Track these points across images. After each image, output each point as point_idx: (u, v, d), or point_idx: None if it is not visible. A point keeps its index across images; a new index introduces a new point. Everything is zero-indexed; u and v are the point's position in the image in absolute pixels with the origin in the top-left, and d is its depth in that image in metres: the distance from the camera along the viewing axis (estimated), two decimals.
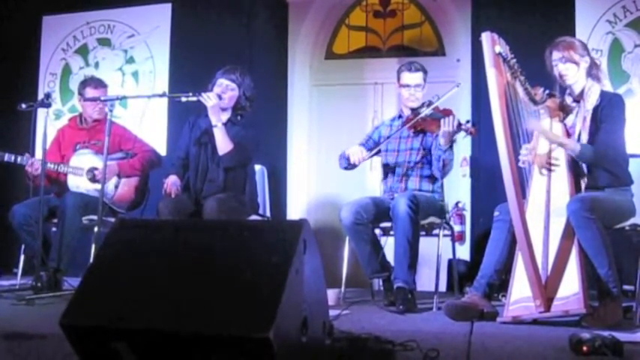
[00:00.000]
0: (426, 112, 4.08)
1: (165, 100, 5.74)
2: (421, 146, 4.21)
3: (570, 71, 3.49)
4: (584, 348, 2.35)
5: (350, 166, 4.22)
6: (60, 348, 2.21)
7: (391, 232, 4.11)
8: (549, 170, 3.47)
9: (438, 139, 3.99)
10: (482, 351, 2.53)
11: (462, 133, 3.96)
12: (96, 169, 4.60)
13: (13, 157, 4.52)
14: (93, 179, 4.60)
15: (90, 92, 4.72)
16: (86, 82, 4.84)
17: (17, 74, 6.27)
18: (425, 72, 4.28)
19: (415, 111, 4.20)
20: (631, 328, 3.13)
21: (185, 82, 5.32)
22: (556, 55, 3.51)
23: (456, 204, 5.26)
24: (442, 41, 6.03)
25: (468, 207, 5.38)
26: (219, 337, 1.93)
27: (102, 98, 4.53)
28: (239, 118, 4.45)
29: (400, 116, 4.36)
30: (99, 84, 4.81)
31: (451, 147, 4.04)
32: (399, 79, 4.29)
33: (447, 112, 4.02)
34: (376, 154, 4.33)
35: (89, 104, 4.73)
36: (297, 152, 6.20)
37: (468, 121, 3.91)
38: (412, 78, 4.23)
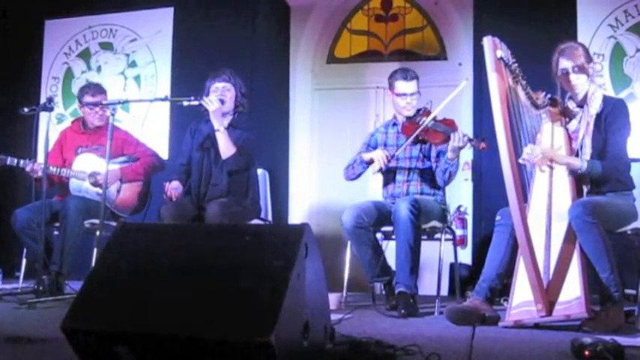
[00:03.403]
0: (426, 122, 4.05)
1: (167, 104, 5.75)
2: (420, 153, 4.20)
3: (581, 80, 3.49)
4: (586, 352, 2.35)
5: (362, 172, 4.22)
6: (62, 352, 2.21)
7: (392, 236, 4.11)
8: (551, 168, 3.46)
9: (447, 153, 3.97)
10: (483, 355, 2.53)
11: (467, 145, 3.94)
12: (98, 173, 4.60)
13: (15, 161, 4.53)
14: (95, 184, 4.60)
15: (88, 99, 4.71)
16: (84, 90, 4.81)
17: (20, 78, 6.27)
18: (418, 79, 4.24)
19: (411, 119, 4.19)
20: (632, 332, 3.13)
21: (187, 86, 5.32)
22: (566, 63, 3.49)
23: (458, 208, 5.25)
24: (444, 45, 6.04)
25: (470, 211, 5.38)
26: (221, 341, 1.93)
27: (103, 102, 4.54)
28: (237, 116, 4.45)
29: (395, 123, 4.34)
30: (97, 91, 4.77)
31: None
32: (393, 87, 4.25)
33: (449, 123, 4.02)
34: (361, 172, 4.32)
35: (89, 112, 4.73)
36: (299, 156, 6.21)
37: (477, 137, 3.87)
38: (409, 87, 4.19)
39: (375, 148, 4.35)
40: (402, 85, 4.20)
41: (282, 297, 1.94)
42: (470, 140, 3.87)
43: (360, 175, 4.30)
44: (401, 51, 6.13)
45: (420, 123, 4.07)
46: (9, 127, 5.78)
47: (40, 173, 4.43)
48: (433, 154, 4.18)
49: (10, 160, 4.52)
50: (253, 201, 4.46)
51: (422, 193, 4.17)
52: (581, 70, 3.48)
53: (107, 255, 2.31)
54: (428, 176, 4.19)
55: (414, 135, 4.07)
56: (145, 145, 4.90)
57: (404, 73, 4.24)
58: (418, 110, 4.21)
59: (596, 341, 2.37)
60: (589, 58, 3.54)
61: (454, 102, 5.50)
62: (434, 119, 4.05)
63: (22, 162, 4.52)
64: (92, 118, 4.75)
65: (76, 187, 4.62)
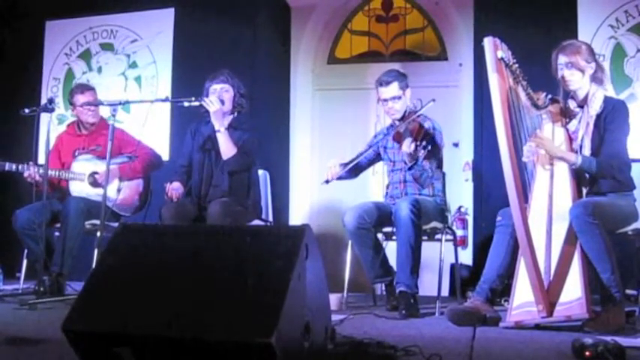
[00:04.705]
0: (401, 127, 4.06)
1: (167, 105, 5.75)
2: None
3: (575, 77, 3.48)
4: (587, 353, 2.34)
5: (325, 182, 4.22)
6: (62, 353, 2.21)
7: (393, 237, 4.11)
8: (551, 165, 3.46)
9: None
10: (484, 356, 2.53)
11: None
12: (96, 173, 4.62)
13: (13, 167, 4.52)
14: (94, 184, 4.61)
15: (80, 99, 4.73)
16: (73, 91, 4.85)
17: (20, 79, 6.28)
18: (400, 80, 4.17)
19: (400, 122, 4.19)
20: (633, 333, 3.12)
21: (188, 86, 5.32)
22: (562, 59, 3.50)
23: (459, 208, 5.26)
24: (444, 46, 6.04)
25: (471, 211, 5.38)
26: (222, 342, 1.93)
27: (105, 103, 4.54)
28: (237, 116, 4.45)
29: (392, 126, 4.34)
30: (85, 88, 4.84)
31: (436, 160, 4.07)
32: (377, 94, 4.26)
33: (413, 129, 4.01)
34: (352, 169, 4.30)
35: (81, 110, 4.74)
36: (300, 157, 6.22)
37: (425, 146, 3.81)
38: (387, 92, 4.16)
39: (376, 148, 4.35)
40: (380, 91, 4.20)
41: (282, 298, 1.94)
42: (416, 148, 3.81)
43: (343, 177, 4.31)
44: (401, 51, 6.13)
45: (398, 127, 4.09)
46: (10, 128, 5.78)
47: (37, 178, 4.44)
48: None
49: (9, 166, 4.52)
50: (254, 202, 4.46)
51: (420, 194, 4.16)
52: (574, 66, 3.47)
53: (108, 256, 2.31)
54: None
55: (386, 138, 4.12)
56: (142, 142, 4.90)
57: (381, 78, 4.21)
58: (405, 112, 4.20)
59: (597, 342, 2.37)
60: (590, 58, 3.52)
61: (455, 102, 5.54)
62: (407, 124, 4.05)
63: (20, 167, 4.52)
64: (86, 116, 4.76)
65: (76, 188, 4.62)
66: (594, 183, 3.43)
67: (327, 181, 4.19)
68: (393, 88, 4.16)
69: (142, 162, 4.77)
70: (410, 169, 3.98)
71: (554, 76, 3.57)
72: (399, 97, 4.17)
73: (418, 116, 4.10)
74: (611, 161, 3.40)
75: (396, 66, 5.28)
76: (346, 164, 4.24)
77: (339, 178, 4.23)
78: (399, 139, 4.10)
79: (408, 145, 3.87)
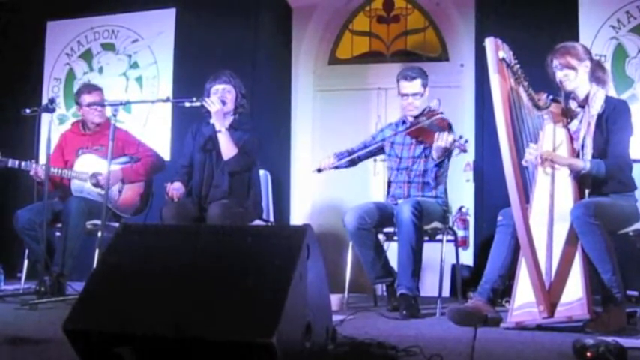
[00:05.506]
0: (425, 122, 4.06)
1: (168, 105, 5.75)
2: (423, 154, 4.19)
3: (569, 77, 3.49)
4: (588, 354, 2.34)
5: (317, 170, 4.29)
6: (63, 353, 2.21)
7: (394, 238, 4.11)
8: (553, 169, 3.45)
9: (432, 152, 3.99)
10: (485, 356, 2.53)
11: (457, 150, 3.94)
12: (99, 174, 4.61)
13: (17, 163, 4.53)
14: (97, 185, 4.61)
15: (87, 98, 4.73)
16: (80, 91, 4.85)
17: (22, 79, 6.28)
18: (423, 77, 4.19)
19: (416, 119, 4.19)
20: (634, 333, 3.12)
21: (189, 87, 5.32)
22: (555, 62, 3.51)
23: (460, 209, 5.26)
24: (446, 46, 6.04)
25: (472, 212, 5.37)
26: (223, 342, 1.93)
27: (106, 103, 4.55)
28: (238, 117, 4.45)
29: (404, 122, 4.34)
30: (92, 88, 4.84)
31: (448, 158, 4.08)
32: (398, 87, 4.26)
33: (443, 125, 4.01)
34: (345, 165, 4.36)
35: (88, 110, 4.74)
36: (301, 157, 6.22)
37: (461, 137, 3.85)
38: (410, 87, 4.17)
39: (381, 142, 4.34)
40: (403, 85, 4.20)
41: (283, 298, 1.94)
42: (454, 141, 3.85)
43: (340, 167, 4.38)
44: (402, 52, 6.13)
45: (420, 123, 4.08)
46: (11, 129, 5.78)
47: (44, 176, 4.44)
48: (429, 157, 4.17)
49: (12, 163, 4.52)
50: (255, 202, 4.46)
51: (423, 196, 4.16)
52: (566, 66, 3.47)
53: (109, 256, 2.31)
54: (430, 177, 4.18)
55: (409, 130, 4.11)
56: (146, 145, 4.90)
57: (405, 72, 4.22)
58: (424, 110, 4.20)
59: (598, 342, 2.36)
60: (584, 56, 3.52)
61: (456, 103, 5.53)
62: (432, 120, 4.05)
63: (23, 164, 4.52)
64: (92, 116, 4.76)
65: (77, 188, 4.62)
66: (596, 184, 3.43)
67: (319, 170, 4.26)
68: (416, 84, 4.17)
69: (145, 165, 4.76)
70: (437, 165, 3.99)
71: (552, 78, 3.58)
72: (421, 94, 4.18)
73: (441, 113, 4.09)
74: (618, 162, 3.40)
75: (397, 66, 5.29)
76: (347, 154, 4.31)
77: (336, 167, 4.30)
78: (424, 134, 4.07)
79: (445, 139, 3.86)
